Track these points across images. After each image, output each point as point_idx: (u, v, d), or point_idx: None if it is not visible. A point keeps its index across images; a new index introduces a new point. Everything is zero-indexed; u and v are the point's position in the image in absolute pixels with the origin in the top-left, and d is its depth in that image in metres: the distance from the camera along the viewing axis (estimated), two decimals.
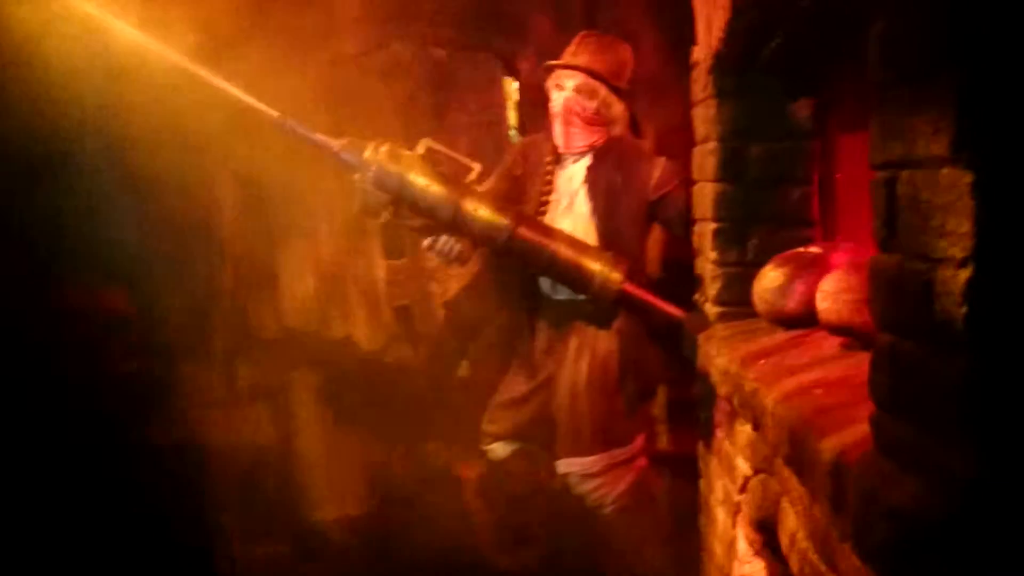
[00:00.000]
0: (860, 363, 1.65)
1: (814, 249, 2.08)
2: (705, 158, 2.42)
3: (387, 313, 4.23)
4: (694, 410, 3.08)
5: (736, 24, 2.03)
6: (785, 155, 2.25)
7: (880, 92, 1.18)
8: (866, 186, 2.22)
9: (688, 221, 2.79)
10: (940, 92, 1.01)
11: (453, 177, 2.85)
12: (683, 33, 3.32)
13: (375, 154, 2.80)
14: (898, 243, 1.13)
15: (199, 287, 3.74)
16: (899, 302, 1.13)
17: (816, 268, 2.01)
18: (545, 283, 3.00)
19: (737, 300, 2.33)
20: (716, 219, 2.34)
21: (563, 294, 2.96)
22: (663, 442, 3.67)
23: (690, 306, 2.72)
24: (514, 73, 4.10)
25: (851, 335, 1.70)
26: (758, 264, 2.28)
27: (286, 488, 3.87)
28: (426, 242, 2.90)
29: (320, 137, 2.85)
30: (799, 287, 2.01)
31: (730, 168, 2.30)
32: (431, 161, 2.88)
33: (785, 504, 1.69)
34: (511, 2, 3.96)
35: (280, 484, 3.85)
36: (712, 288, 2.38)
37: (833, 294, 1.70)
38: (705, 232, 2.44)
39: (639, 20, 3.82)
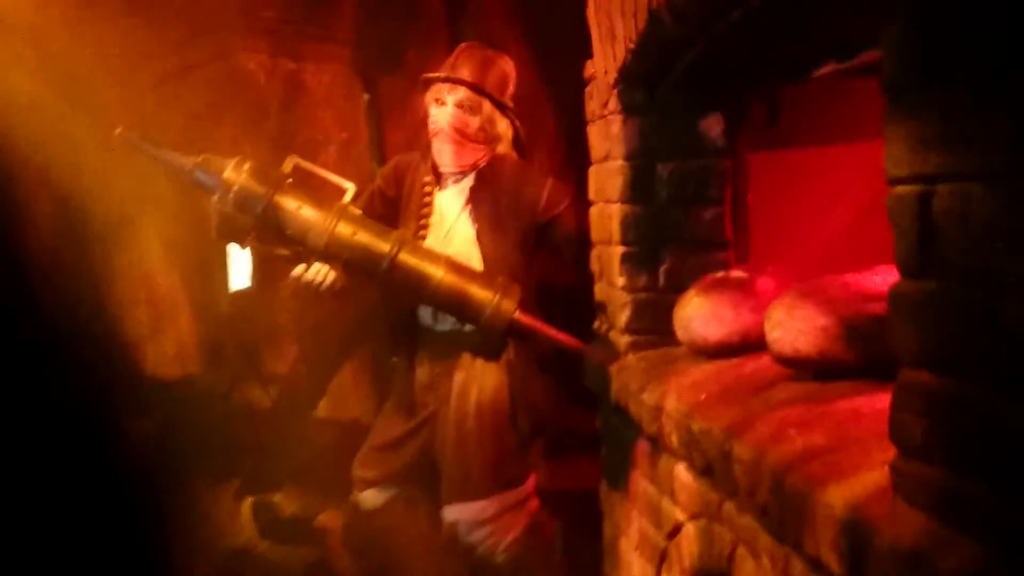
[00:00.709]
0: (820, 396, 1.52)
1: (738, 273, 1.96)
2: (608, 178, 2.26)
3: (232, 350, 3.85)
4: (583, 444, 2.93)
5: (651, 34, 1.89)
6: (696, 174, 2.13)
7: (900, 98, 1.04)
8: (779, 206, 2.13)
9: (580, 245, 2.65)
10: (1011, 95, 0.87)
11: (326, 198, 2.58)
12: (551, 46, 3.19)
13: (237, 173, 2.50)
14: (939, 268, 0.99)
15: None
16: (943, 334, 0.99)
17: (744, 293, 1.90)
18: (426, 313, 2.76)
19: (650, 328, 2.18)
20: (624, 242, 2.19)
21: (447, 325, 2.73)
22: (542, 478, 3.50)
23: (586, 335, 2.56)
24: (372, 87, 3.85)
25: (806, 367, 1.57)
26: (671, 289, 2.15)
27: (115, 552, 3.41)
28: (295, 271, 2.61)
29: (170, 154, 2.52)
30: (728, 314, 1.88)
31: (638, 188, 2.16)
32: (300, 181, 2.60)
33: (743, 555, 1.53)
34: (368, 14, 3.72)
35: (108, 547, 3.39)
36: (621, 316, 2.22)
37: (785, 323, 1.57)
38: (610, 256, 2.28)
39: (504, 34, 3.68)
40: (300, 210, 2.51)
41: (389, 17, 3.72)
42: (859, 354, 1.50)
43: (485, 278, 2.59)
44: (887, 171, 1.06)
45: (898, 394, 1.08)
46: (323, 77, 3.72)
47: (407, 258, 2.54)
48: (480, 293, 2.55)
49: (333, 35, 3.71)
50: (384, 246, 2.54)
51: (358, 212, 2.60)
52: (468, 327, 2.67)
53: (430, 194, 2.78)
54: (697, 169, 2.12)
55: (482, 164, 2.74)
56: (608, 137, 2.24)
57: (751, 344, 1.88)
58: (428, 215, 2.77)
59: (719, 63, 1.92)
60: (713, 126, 2.10)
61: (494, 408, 2.69)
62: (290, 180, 2.56)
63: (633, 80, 2.10)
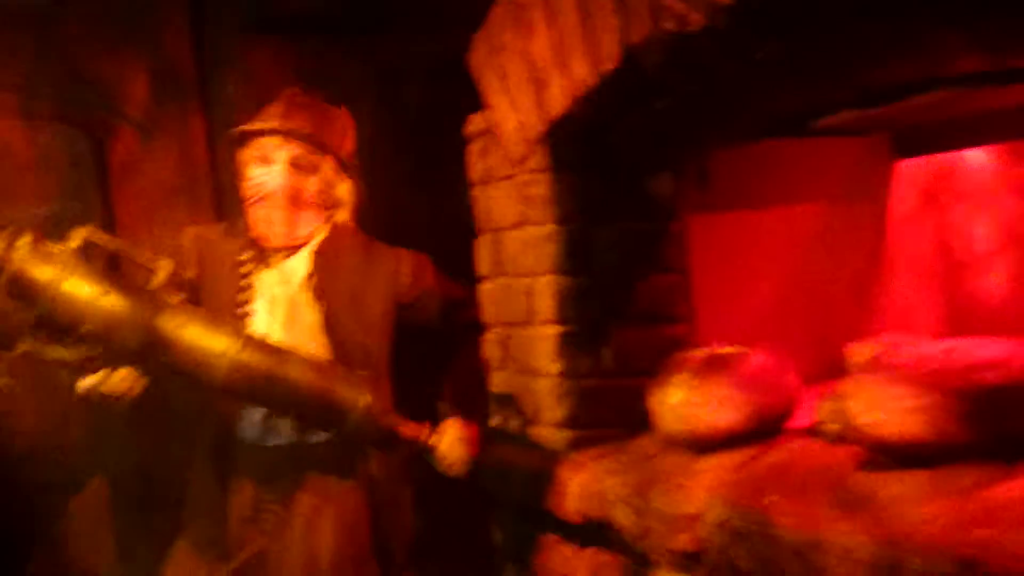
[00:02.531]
0: (942, 486, 1.31)
1: (726, 349, 1.71)
2: (526, 246, 1.92)
3: None
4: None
5: (619, 78, 1.62)
6: (645, 238, 1.87)
7: None
8: (734, 274, 1.94)
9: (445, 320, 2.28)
10: None
11: (135, 283, 1.93)
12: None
13: (8, 250, 1.78)
14: None
15: None
16: None
17: (749, 373, 1.66)
18: (252, 422, 2.16)
19: (598, 420, 1.85)
20: (560, 321, 1.85)
21: (281, 438, 2.16)
22: None
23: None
24: (99, 148, 3.11)
25: (916, 452, 1.35)
26: (621, 373, 1.86)
27: None
28: (88, 381, 1.90)
29: None
30: (740, 397, 1.62)
31: (575, 257, 1.84)
32: (95, 259, 1.93)
33: None
34: (93, 64, 3.00)
35: None
36: (557, 409, 1.87)
37: (885, 403, 1.34)
38: (532, 339, 1.93)
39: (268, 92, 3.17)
40: (102, 299, 1.84)
41: (116, 63, 3.04)
42: (978, 432, 1.32)
43: (349, 375, 2.07)
44: None
45: None
46: (35, 135, 2.93)
47: (252, 356, 1.96)
48: (345, 392, 2.04)
49: (45, 86, 2.94)
50: (219, 342, 1.94)
51: (179, 298, 1.98)
52: (316, 437, 2.13)
53: (248, 274, 2.22)
54: (646, 232, 1.86)
55: (320, 236, 2.25)
56: (525, 200, 1.91)
57: (765, 430, 1.64)
58: (247, 301, 2.21)
59: (695, 112, 1.69)
60: (664, 184, 1.86)
61: (353, 539, 2.15)
62: (81, 258, 1.89)
63: (572, 133, 1.80)
